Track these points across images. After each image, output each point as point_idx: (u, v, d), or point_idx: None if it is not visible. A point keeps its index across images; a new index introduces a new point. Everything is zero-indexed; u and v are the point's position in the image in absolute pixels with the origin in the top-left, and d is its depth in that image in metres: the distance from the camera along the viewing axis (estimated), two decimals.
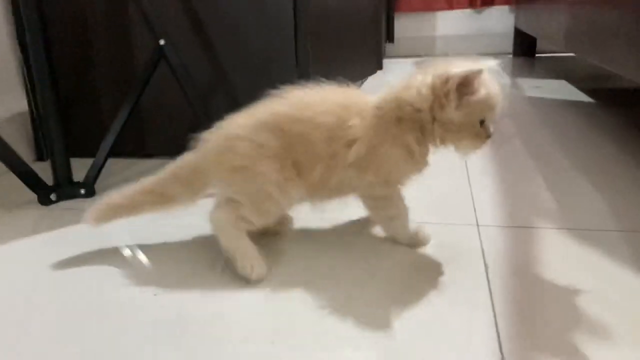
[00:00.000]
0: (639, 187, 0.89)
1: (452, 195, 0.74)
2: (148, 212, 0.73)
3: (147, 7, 0.90)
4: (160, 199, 0.72)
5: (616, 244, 0.70)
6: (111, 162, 1.09)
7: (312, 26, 1.05)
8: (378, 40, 1.46)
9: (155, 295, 0.63)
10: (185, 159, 0.73)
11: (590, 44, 1.25)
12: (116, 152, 1.15)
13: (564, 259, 0.67)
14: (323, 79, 0.74)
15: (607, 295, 0.59)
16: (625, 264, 0.65)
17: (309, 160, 0.68)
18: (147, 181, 0.72)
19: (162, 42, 0.89)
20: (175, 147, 1.16)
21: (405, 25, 2.76)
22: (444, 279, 0.64)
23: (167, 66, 0.93)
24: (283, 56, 1.03)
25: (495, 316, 0.56)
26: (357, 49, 1.33)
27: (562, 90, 1.74)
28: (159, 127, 1.13)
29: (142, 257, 0.73)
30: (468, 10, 2.72)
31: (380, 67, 1.49)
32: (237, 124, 0.70)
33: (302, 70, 1.04)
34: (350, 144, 0.67)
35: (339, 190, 0.71)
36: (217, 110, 1.08)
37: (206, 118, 0.93)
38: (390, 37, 2.67)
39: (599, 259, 0.66)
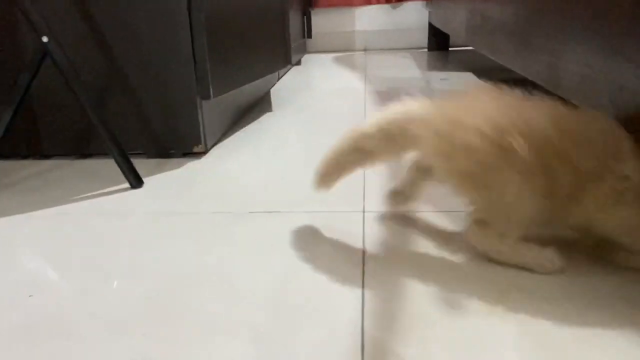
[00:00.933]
0: None
1: (346, 184, 0.77)
2: (354, 170, 0.73)
3: (28, 4, 0.87)
4: (364, 156, 0.70)
5: None
6: (2, 164, 1.06)
7: (209, 21, 1.05)
8: (285, 35, 1.48)
9: (30, 296, 0.62)
10: (398, 116, 0.66)
11: (482, 38, 1.32)
12: (7, 154, 1.11)
13: (439, 239, 0.71)
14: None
15: (473, 271, 0.63)
16: None
17: (567, 181, 0.58)
18: (350, 139, 0.70)
19: (45, 39, 0.87)
20: (72, 146, 1.14)
21: (324, 20, 2.80)
22: (321, 263, 0.66)
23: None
24: (180, 52, 1.03)
25: (363, 300, 0.59)
26: (262, 45, 1.34)
27: (467, 81, 1.82)
28: (56, 127, 1.10)
29: (24, 256, 0.72)
30: (385, 6, 2.78)
31: (288, 61, 1.51)
32: (480, 112, 0.59)
33: (200, 66, 1.04)
34: (618, 184, 0.57)
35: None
36: (115, 108, 1.07)
37: (97, 116, 0.92)
38: (308, 33, 2.70)
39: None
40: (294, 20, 2.30)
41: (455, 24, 1.82)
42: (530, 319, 0.54)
